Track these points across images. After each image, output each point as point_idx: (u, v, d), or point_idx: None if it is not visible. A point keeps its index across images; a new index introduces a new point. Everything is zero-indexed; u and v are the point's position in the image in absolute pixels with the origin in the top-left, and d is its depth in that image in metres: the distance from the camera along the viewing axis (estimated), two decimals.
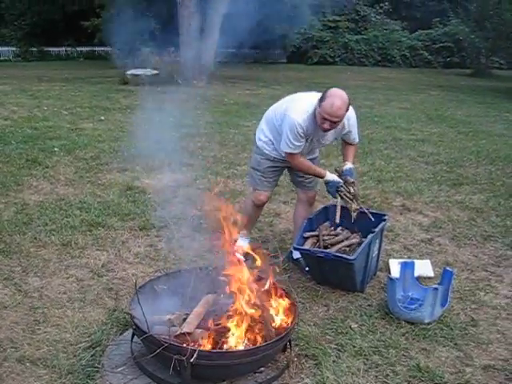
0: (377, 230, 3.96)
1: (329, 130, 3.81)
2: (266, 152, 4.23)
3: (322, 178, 4.07)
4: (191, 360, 2.58)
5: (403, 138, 9.62)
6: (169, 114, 10.93)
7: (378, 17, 33.87)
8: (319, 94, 3.83)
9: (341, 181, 3.99)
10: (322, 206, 4.65)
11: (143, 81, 16.78)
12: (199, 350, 2.63)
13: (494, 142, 9.49)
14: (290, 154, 3.98)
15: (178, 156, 7.56)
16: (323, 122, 3.73)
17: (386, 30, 32.54)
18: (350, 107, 3.88)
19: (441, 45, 31.06)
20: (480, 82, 22.20)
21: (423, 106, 14.09)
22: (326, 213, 4.41)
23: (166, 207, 5.59)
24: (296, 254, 4.31)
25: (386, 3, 34.22)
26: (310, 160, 4.17)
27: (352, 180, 4.02)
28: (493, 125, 11.57)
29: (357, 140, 4.23)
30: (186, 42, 19.64)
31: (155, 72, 17.44)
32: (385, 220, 4.19)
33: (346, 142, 4.23)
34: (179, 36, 19.57)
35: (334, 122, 3.72)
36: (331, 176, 4.01)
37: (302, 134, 3.87)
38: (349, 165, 4.11)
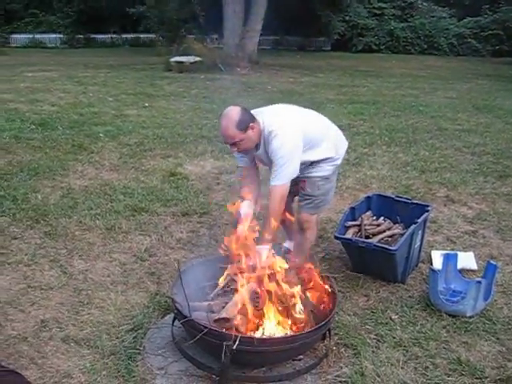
0: (419, 220, 3.91)
1: (235, 150, 3.42)
2: None
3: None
4: (231, 346, 2.60)
5: (449, 127, 9.43)
6: (212, 101, 11.05)
7: (424, 4, 33.22)
8: (289, 107, 3.67)
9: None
10: (365, 195, 4.61)
11: (187, 68, 16.89)
12: (240, 336, 2.65)
13: None
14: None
15: (221, 143, 7.62)
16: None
17: (432, 17, 31.93)
18: (285, 135, 3.35)
19: (490, 32, 30.24)
20: None
21: (470, 96, 13.75)
22: (369, 202, 4.38)
23: (208, 193, 5.65)
24: None
25: None
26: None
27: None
28: None
29: (273, 182, 3.39)
30: (229, 29, 19.70)
31: (199, 59, 17.52)
32: (428, 211, 4.12)
33: None
34: (223, 23, 19.62)
35: (228, 142, 3.35)
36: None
37: None
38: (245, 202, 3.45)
